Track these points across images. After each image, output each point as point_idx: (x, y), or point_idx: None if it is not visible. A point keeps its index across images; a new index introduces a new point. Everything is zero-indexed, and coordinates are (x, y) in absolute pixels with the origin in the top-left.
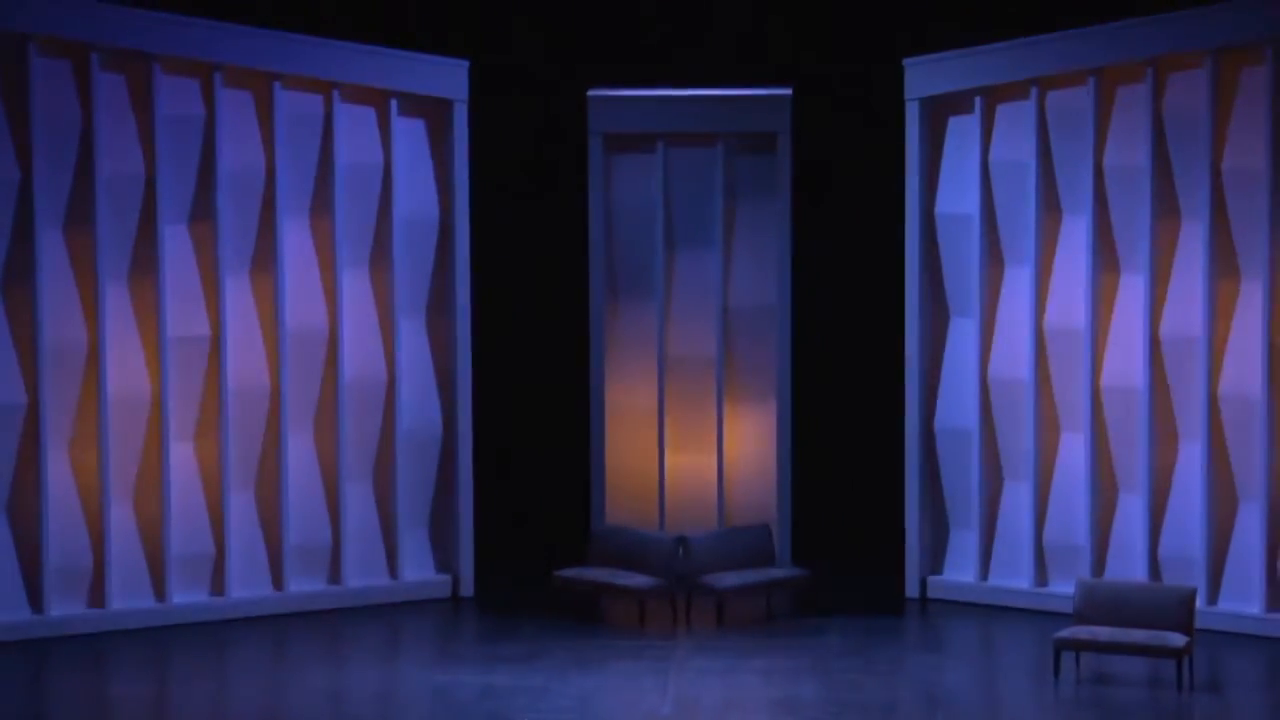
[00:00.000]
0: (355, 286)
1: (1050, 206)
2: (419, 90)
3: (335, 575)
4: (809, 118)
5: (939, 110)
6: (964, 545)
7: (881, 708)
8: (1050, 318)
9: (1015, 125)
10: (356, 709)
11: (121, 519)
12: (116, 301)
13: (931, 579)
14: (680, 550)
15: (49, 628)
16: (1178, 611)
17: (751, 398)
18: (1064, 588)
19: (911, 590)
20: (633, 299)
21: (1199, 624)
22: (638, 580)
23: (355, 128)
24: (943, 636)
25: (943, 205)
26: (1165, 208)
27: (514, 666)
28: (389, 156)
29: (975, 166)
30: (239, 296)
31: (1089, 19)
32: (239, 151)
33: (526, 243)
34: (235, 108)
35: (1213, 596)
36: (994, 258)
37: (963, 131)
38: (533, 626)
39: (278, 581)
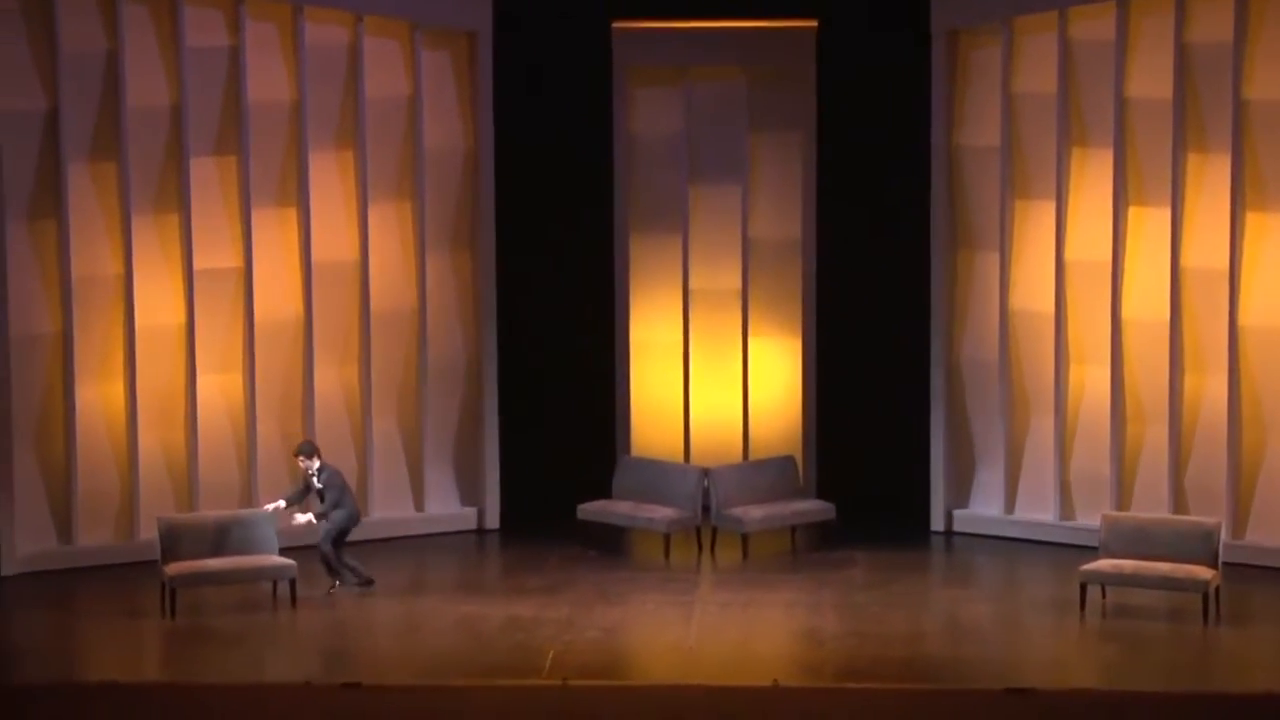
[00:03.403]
0: (382, 219)
1: (1074, 139)
2: (444, 22)
3: (361, 506)
4: (834, 50)
5: (964, 42)
6: (989, 479)
7: (905, 640)
8: (1073, 250)
9: (1039, 57)
10: (381, 640)
11: (149, 449)
12: (144, 233)
13: (957, 512)
14: (705, 483)
15: (78, 558)
16: (1203, 545)
17: (776, 330)
18: (1089, 521)
19: (936, 524)
20: (657, 232)
21: (1224, 557)
22: (662, 513)
23: (380, 60)
24: (968, 570)
25: (967, 138)
26: (1190, 139)
27: (538, 598)
28: (415, 89)
29: (999, 99)
30: (266, 228)
31: None
32: (265, 84)
33: (551, 176)
34: (260, 40)
35: (1238, 530)
36: (1018, 190)
37: (987, 63)
38: (557, 559)
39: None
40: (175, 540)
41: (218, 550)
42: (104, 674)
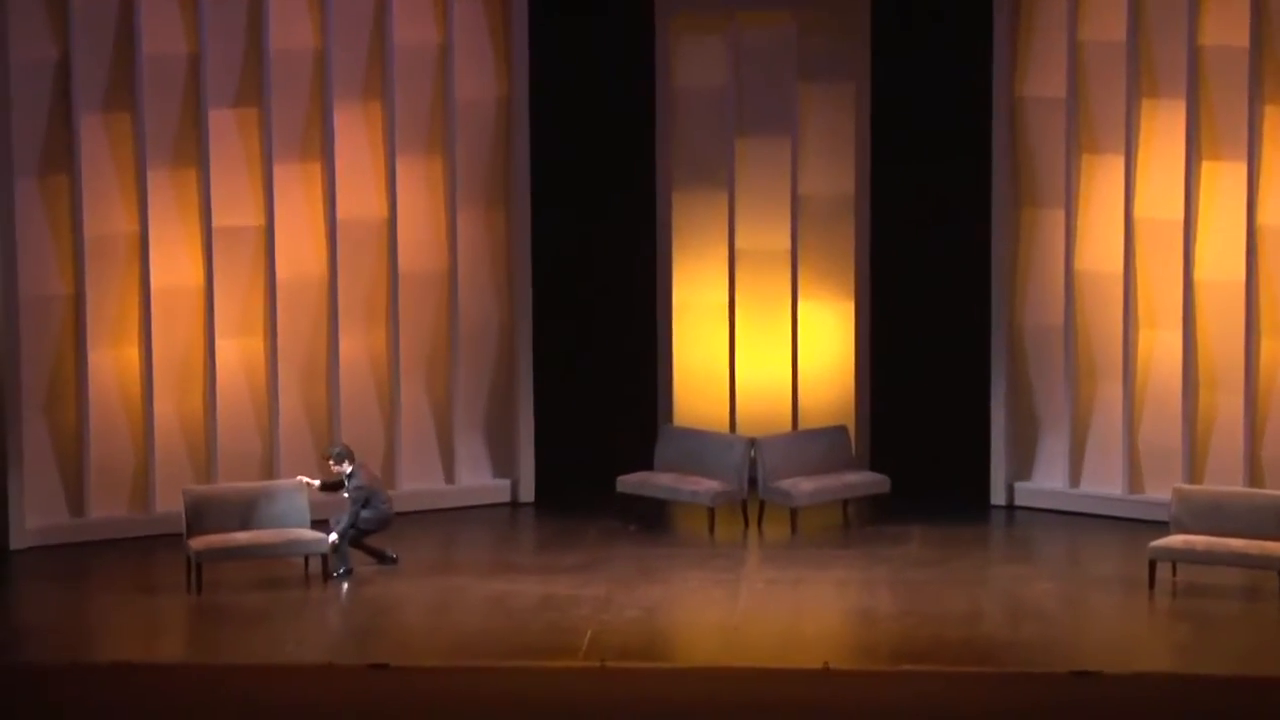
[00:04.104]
0: (411, 174)
1: (1144, 89)
2: None
3: (389, 479)
4: None
5: None
6: (1053, 450)
7: (963, 620)
8: (1143, 208)
9: (1108, 3)
10: (410, 618)
11: (165, 417)
12: (160, 189)
13: (1018, 485)
14: (751, 454)
15: (90, 531)
16: (1279, 520)
17: (827, 293)
18: (1159, 495)
19: (997, 497)
20: (701, 188)
21: None
22: (706, 486)
23: (410, 7)
24: (1030, 546)
25: (1031, 89)
26: (1267, 90)
27: (575, 575)
28: (446, 37)
29: (1065, 47)
30: (288, 185)
31: None
32: (288, 31)
33: (589, 129)
34: None
35: None
36: (1084, 144)
37: (1052, 10)
38: (595, 533)
39: None
40: (201, 513)
41: (245, 524)
42: (115, 653)
